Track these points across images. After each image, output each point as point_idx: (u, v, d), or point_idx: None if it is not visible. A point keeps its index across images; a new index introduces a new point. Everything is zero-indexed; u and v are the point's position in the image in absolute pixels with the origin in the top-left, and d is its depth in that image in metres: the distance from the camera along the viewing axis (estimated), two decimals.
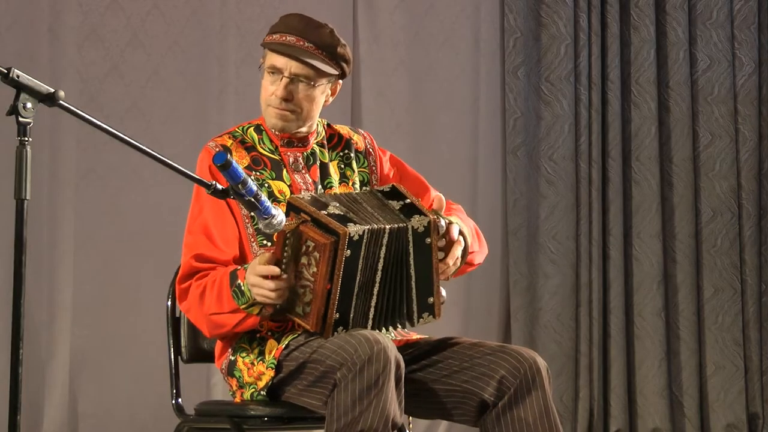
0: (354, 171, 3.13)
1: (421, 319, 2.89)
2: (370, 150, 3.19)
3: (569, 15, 5.66)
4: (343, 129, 3.20)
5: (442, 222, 2.89)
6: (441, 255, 2.90)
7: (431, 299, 2.89)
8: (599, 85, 5.66)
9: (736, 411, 5.67)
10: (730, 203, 5.75)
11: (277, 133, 3.07)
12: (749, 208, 5.75)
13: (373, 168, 3.16)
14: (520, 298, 5.59)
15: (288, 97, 2.99)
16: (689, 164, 5.73)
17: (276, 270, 2.76)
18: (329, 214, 2.76)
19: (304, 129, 3.08)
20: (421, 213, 2.86)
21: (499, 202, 5.63)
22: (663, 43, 5.75)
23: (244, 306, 2.84)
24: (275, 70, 3.00)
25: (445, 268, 2.91)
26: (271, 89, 3.01)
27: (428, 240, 2.85)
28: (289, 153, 3.07)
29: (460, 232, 2.96)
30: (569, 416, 5.55)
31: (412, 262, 2.85)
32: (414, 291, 2.87)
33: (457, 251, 2.93)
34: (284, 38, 3.00)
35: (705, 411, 5.70)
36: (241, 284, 2.83)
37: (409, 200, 2.90)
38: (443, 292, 2.93)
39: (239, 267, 2.88)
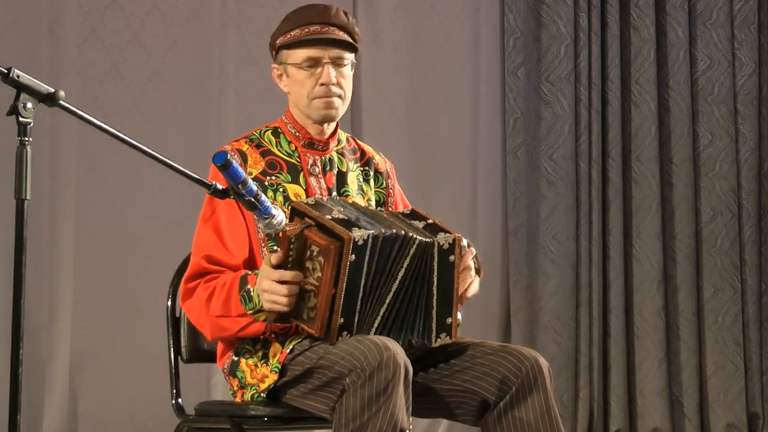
0: (371, 188, 3.15)
1: (438, 339, 2.87)
2: (390, 173, 3.21)
3: (569, 15, 5.66)
4: (367, 146, 3.23)
5: (464, 242, 2.89)
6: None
7: (449, 320, 2.88)
8: (599, 85, 5.66)
9: (736, 411, 5.67)
10: (730, 203, 5.75)
11: (319, 126, 3.07)
12: (749, 208, 5.76)
13: (390, 191, 3.18)
14: (520, 298, 5.59)
15: (335, 82, 3.02)
16: (689, 164, 5.73)
17: (288, 275, 2.75)
18: (334, 219, 2.75)
19: (330, 129, 3.09)
20: (445, 231, 2.87)
21: (499, 202, 5.63)
22: (663, 43, 5.75)
23: (251, 312, 2.83)
24: (313, 62, 3.02)
25: (465, 288, 2.92)
26: (310, 82, 3.02)
27: (451, 258, 2.85)
28: (308, 154, 3.07)
29: (475, 257, 2.98)
30: (569, 416, 5.55)
31: (435, 279, 2.85)
32: (435, 309, 2.86)
33: (472, 273, 2.95)
34: (308, 29, 3.02)
35: (705, 411, 5.70)
36: (251, 290, 2.82)
37: (431, 220, 2.90)
38: (459, 315, 2.92)
39: (250, 272, 2.88)
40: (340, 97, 3.04)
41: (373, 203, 3.13)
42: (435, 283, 2.85)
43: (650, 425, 5.61)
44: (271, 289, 2.76)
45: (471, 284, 2.95)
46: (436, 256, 2.84)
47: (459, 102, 5.60)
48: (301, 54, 3.03)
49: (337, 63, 3.02)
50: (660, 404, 5.60)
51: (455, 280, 2.87)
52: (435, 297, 2.86)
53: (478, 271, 3.00)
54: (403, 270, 2.80)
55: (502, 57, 5.64)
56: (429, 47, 5.57)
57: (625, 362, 5.61)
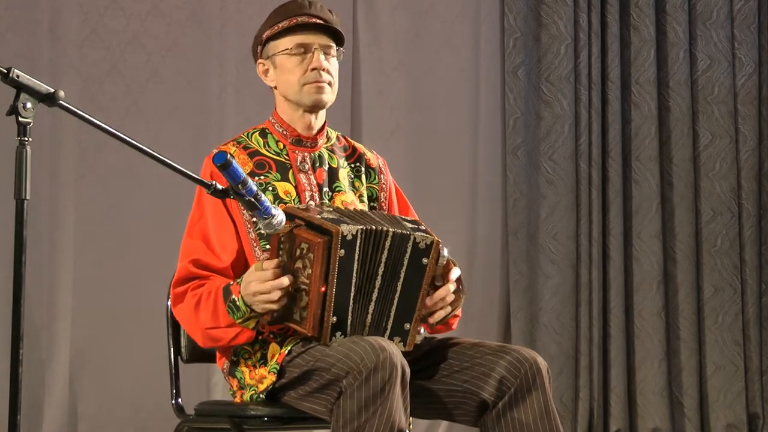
0: (363, 184, 3.15)
1: (390, 342, 2.79)
2: (382, 169, 3.21)
3: (569, 15, 5.66)
4: (357, 144, 3.24)
5: (445, 252, 2.84)
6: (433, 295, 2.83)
7: (407, 326, 2.81)
8: (599, 85, 5.66)
9: (736, 411, 5.67)
10: (730, 203, 5.75)
11: (308, 117, 3.08)
12: (749, 208, 5.76)
13: (383, 186, 3.18)
14: (520, 298, 5.59)
15: (325, 67, 3.03)
16: (689, 164, 5.73)
17: (269, 275, 2.75)
18: (323, 218, 2.74)
19: (319, 123, 3.10)
20: (427, 233, 2.81)
21: (499, 202, 5.63)
22: (663, 43, 5.75)
23: (240, 321, 2.83)
24: (304, 47, 3.04)
25: (433, 305, 2.84)
26: (301, 68, 3.04)
27: (425, 260, 2.79)
28: (297, 152, 3.08)
29: (458, 279, 2.91)
30: (569, 416, 5.55)
31: (402, 275, 2.79)
32: (394, 308, 2.81)
33: (448, 294, 2.87)
34: (296, 20, 3.06)
35: (705, 411, 5.70)
36: (236, 299, 2.82)
37: (423, 226, 2.86)
38: (422, 330, 2.83)
39: (232, 282, 2.87)
40: (330, 84, 3.06)
41: (365, 199, 3.13)
42: (401, 280, 2.79)
43: (650, 425, 5.61)
44: (258, 290, 2.77)
45: (438, 313, 2.87)
46: (409, 251, 2.79)
47: (459, 102, 5.60)
48: (291, 40, 3.05)
49: (326, 51, 3.05)
50: (660, 404, 5.60)
51: (423, 285, 2.80)
52: (398, 295, 2.80)
53: (457, 298, 2.91)
54: (382, 265, 2.79)
55: (502, 57, 5.64)
56: (429, 47, 5.57)
57: (625, 362, 5.61)
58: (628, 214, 5.71)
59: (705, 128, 5.77)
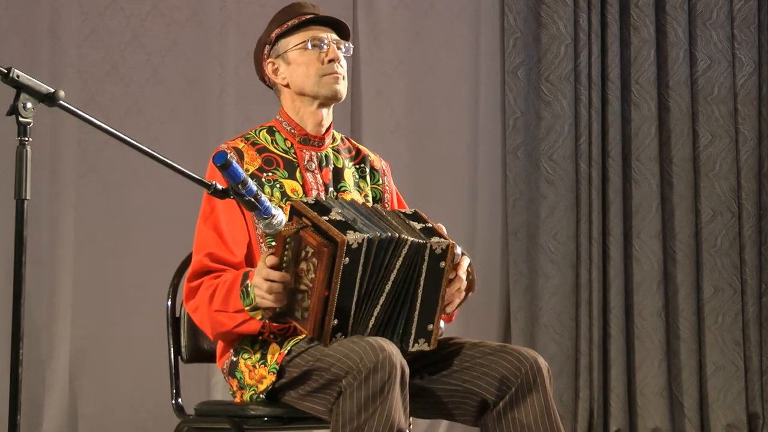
0: (367, 184, 3.16)
1: (416, 345, 2.84)
2: (385, 171, 3.23)
3: (569, 15, 5.66)
4: (361, 146, 3.25)
5: (458, 250, 2.86)
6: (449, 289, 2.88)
7: (430, 326, 2.84)
8: (599, 85, 5.66)
9: (736, 411, 5.67)
10: (730, 203, 5.75)
11: (320, 114, 3.09)
12: (749, 208, 5.76)
13: (386, 188, 3.20)
14: (520, 298, 5.59)
15: (341, 59, 3.08)
16: (689, 164, 5.73)
17: (278, 274, 2.75)
18: (330, 220, 2.73)
19: (327, 122, 3.11)
20: (440, 236, 2.84)
21: (499, 202, 5.63)
22: (663, 43, 5.76)
23: (248, 308, 2.84)
24: (319, 41, 3.07)
25: (451, 299, 2.89)
26: (319, 60, 3.07)
27: (442, 264, 2.82)
28: (304, 150, 3.09)
29: (469, 266, 2.94)
30: (569, 416, 5.55)
31: (422, 282, 2.82)
32: (417, 312, 2.83)
33: (462, 284, 2.91)
34: (305, 17, 3.09)
35: (705, 411, 5.70)
36: (249, 284, 2.83)
37: (429, 224, 2.88)
38: (442, 324, 2.88)
39: (252, 269, 2.88)
40: (344, 78, 3.09)
41: (369, 200, 3.14)
42: (421, 286, 2.82)
43: (650, 425, 5.61)
44: (259, 285, 2.77)
45: (455, 300, 2.91)
46: (426, 259, 2.81)
47: (459, 102, 5.60)
48: (304, 35, 3.08)
49: (337, 46, 3.09)
50: (660, 404, 5.60)
51: (442, 287, 2.84)
52: (419, 300, 2.83)
53: (470, 283, 2.96)
54: (395, 271, 2.79)
55: (502, 57, 5.64)
56: (429, 47, 5.57)
57: (625, 362, 5.61)
58: (628, 214, 5.71)
59: (705, 128, 5.77)
